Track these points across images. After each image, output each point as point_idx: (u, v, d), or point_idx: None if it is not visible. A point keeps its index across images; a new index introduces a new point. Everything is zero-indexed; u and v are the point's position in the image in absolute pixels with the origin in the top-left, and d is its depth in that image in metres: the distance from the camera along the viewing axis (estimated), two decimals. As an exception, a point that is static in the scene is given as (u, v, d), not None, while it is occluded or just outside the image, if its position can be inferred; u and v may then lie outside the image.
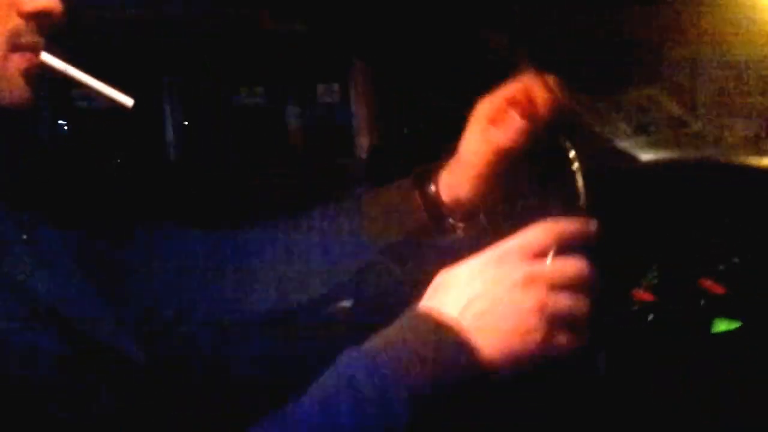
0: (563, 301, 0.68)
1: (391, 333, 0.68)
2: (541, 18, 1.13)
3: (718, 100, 1.27)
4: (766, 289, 1.15)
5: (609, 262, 0.77)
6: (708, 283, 1.17)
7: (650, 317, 1.19)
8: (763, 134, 1.25)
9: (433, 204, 0.90)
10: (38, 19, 0.71)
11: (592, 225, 0.74)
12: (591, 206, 0.89)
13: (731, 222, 1.21)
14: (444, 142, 0.92)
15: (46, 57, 0.74)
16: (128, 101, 0.79)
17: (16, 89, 0.71)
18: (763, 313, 1.14)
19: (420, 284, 0.74)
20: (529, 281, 0.68)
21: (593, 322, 0.71)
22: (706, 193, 1.24)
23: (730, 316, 1.15)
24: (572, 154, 0.88)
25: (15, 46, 0.70)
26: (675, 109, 1.27)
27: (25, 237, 0.73)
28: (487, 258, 0.70)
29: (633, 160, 1.27)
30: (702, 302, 1.17)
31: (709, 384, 1.13)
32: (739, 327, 1.14)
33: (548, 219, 0.73)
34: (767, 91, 1.25)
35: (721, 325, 1.16)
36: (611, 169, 1.24)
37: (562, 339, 0.68)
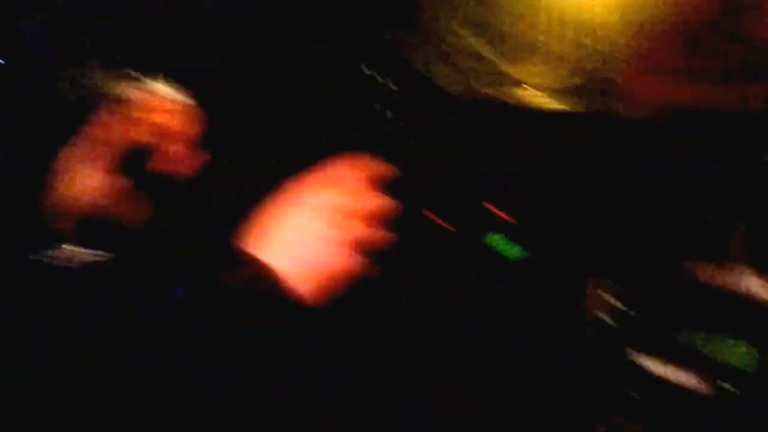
0: (367, 232, 0.75)
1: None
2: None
3: (524, 44, 1.32)
4: (551, 223, 1.22)
5: (404, 185, 0.80)
6: (493, 207, 1.23)
7: (442, 239, 1.24)
8: (564, 81, 1.31)
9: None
10: None
11: (395, 156, 0.79)
12: (396, 134, 0.89)
13: (524, 157, 1.27)
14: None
15: None
16: None
17: None
18: (548, 245, 1.22)
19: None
20: (338, 215, 0.74)
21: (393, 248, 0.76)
22: (507, 129, 1.29)
23: (520, 245, 1.22)
24: (377, 80, 0.87)
25: None
26: (484, 50, 1.30)
27: None
28: (297, 197, 0.75)
29: (439, 90, 1.29)
30: (487, 223, 1.22)
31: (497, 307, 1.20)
32: (528, 257, 1.21)
33: (351, 152, 0.76)
34: (569, 38, 1.30)
35: (514, 251, 1.22)
36: (418, 98, 1.25)
37: (365, 265, 0.75)
